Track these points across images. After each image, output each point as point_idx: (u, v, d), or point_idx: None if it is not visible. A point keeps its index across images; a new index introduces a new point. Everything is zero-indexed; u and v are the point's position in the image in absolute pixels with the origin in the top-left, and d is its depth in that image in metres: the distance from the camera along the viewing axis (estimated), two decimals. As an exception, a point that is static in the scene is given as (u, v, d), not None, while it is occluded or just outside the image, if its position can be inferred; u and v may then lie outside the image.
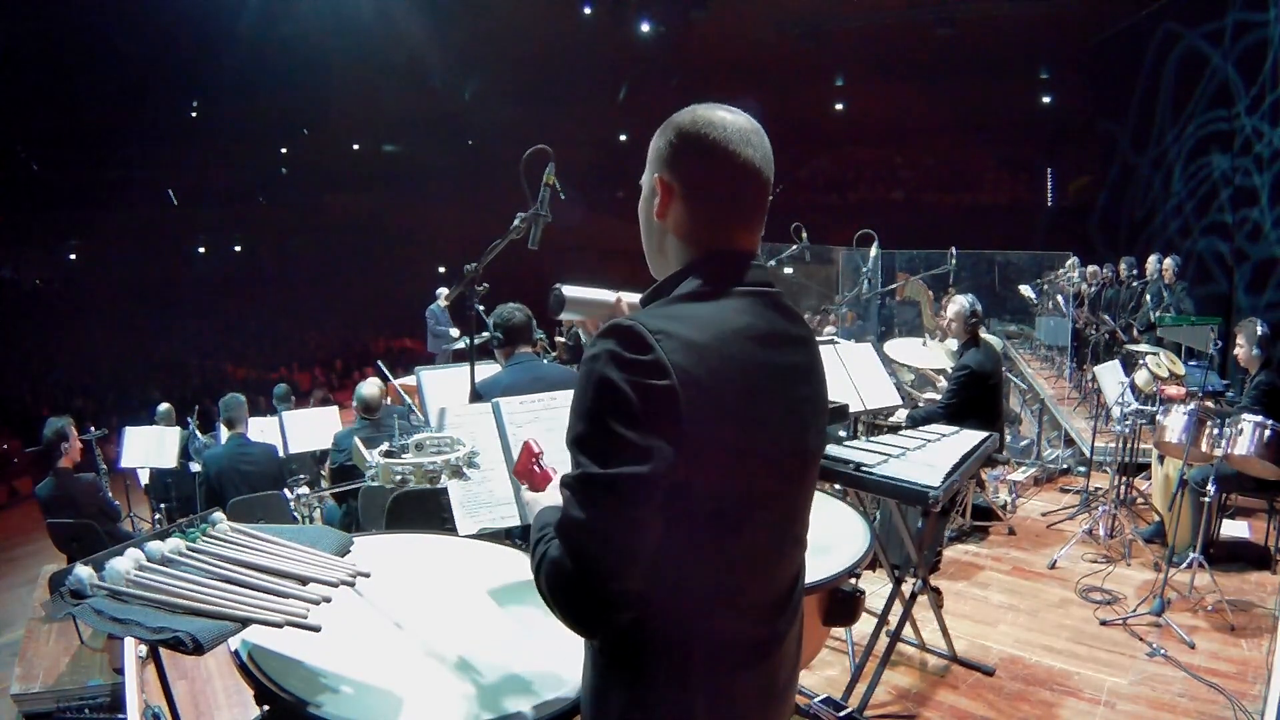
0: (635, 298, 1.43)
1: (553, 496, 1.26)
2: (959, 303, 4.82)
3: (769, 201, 1.18)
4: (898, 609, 3.21)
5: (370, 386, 5.62)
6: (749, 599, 1.13)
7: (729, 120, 1.13)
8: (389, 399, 6.31)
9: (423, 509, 3.20)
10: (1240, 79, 9.17)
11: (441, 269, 18.46)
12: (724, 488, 1.05)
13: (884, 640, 3.16)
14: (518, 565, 1.93)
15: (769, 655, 1.17)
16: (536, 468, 1.37)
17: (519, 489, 2.10)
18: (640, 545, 0.99)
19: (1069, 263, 8.60)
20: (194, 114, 20.61)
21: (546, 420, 2.23)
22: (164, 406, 7.80)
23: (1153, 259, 8.12)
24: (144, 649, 2.65)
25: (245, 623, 1.28)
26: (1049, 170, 16.84)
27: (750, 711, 1.16)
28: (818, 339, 1.39)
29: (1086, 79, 14.21)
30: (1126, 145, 12.45)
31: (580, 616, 1.02)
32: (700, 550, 1.05)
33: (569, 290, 1.48)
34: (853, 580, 2.13)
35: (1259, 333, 4.49)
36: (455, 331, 9.80)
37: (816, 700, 2.47)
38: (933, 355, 5.85)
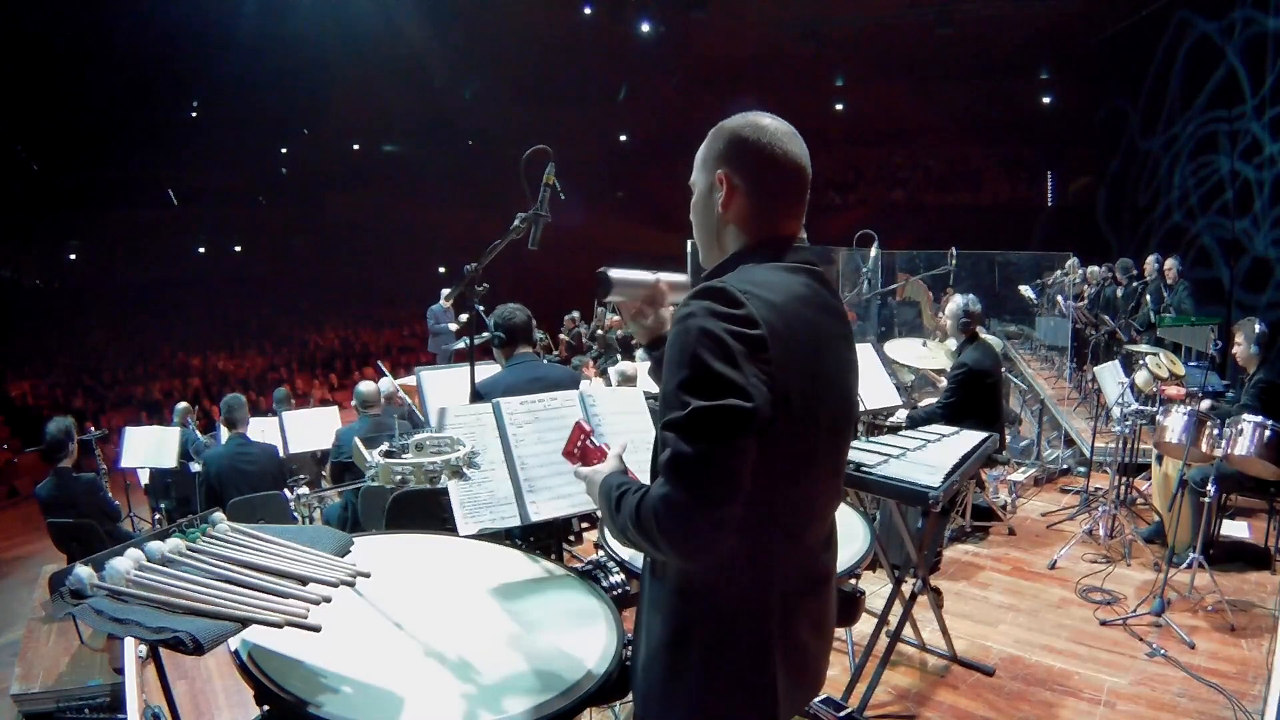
0: (675, 277, 1.56)
1: (611, 467, 1.39)
2: (956, 301, 4.83)
3: (808, 195, 1.35)
4: (898, 609, 3.20)
5: (369, 384, 5.66)
6: (811, 534, 1.31)
7: (774, 124, 1.32)
8: (402, 391, 6.33)
9: (423, 509, 3.20)
10: (1247, 77, 9.10)
11: (441, 269, 18.46)
12: (799, 430, 1.19)
13: (884, 640, 3.16)
14: (518, 565, 1.93)
15: (824, 588, 1.35)
16: (590, 444, 1.46)
17: (520, 489, 2.11)
18: (744, 471, 1.11)
19: (1069, 263, 8.59)
20: (194, 114, 20.59)
21: (546, 420, 2.23)
22: (182, 405, 7.81)
23: (1152, 259, 8.12)
24: (144, 649, 2.65)
25: (245, 623, 1.28)
26: (1049, 170, 16.83)
27: (809, 641, 1.31)
28: None
29: (1097, 67, 14.03)
30: (1137, 128, 12.21)
31: (695, 545, 1.11)
32: (778, 488, 1.19)
33: (616, 273, 1.53)
34: (853, 580, 2.13)
35: (1256, 331, 4.50)
36: (454, 326, 9.77)
37: (816, 700, 2.47)
38: (933, 355, 5.85)
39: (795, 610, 1.26)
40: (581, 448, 1.46)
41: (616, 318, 11.75)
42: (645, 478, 1.31)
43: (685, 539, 1.11)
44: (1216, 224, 9.97)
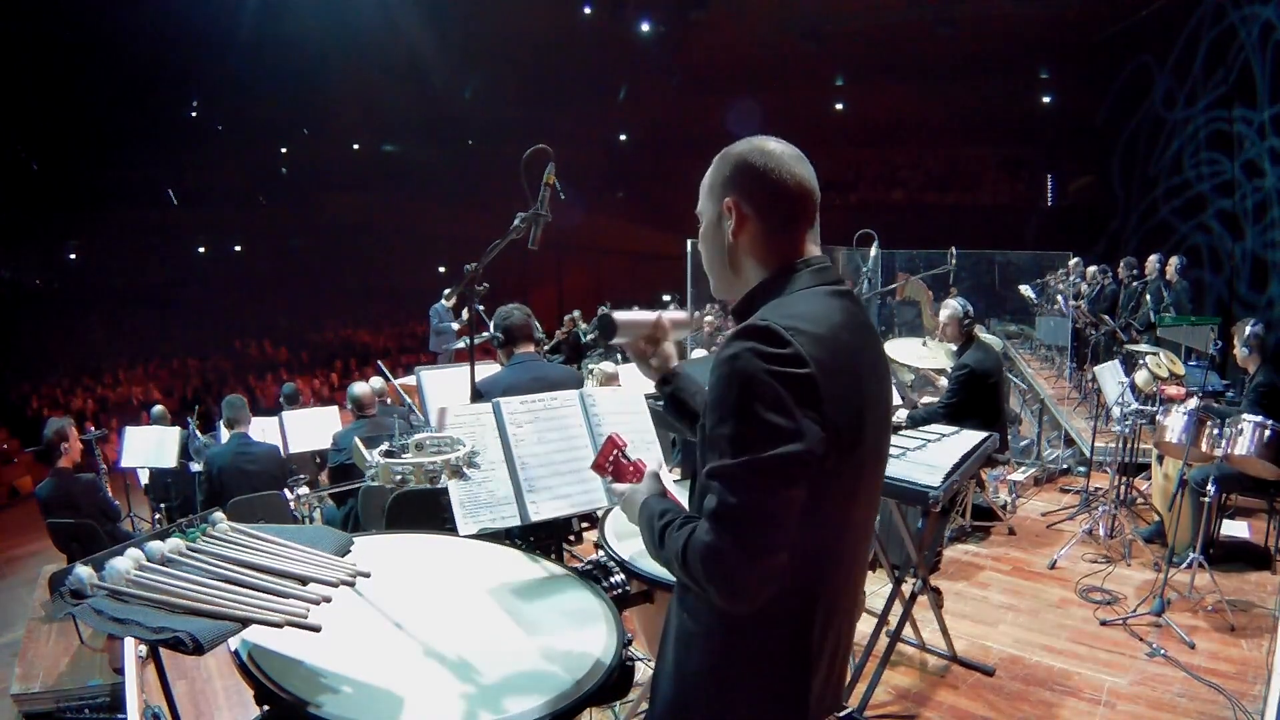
0: (676, 315, 1.57)
1: (650, 488, 1.36)
2: (951, 306, 4.82)
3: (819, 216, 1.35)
4: (898, 609, 3.21)
5: (362, 385, 5.65)
6: (857, 558, 1.32)
7: (780, 148, 1.31)
8: (389, 399, 6.33)
9: (423, 509, 3.20)
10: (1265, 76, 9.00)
11: (441, 269, 18.46)
12: (848, 460, 1.18)
13: (884, 640, 3.16)
14: (518, 565, 1.93)
15: (858, 605, 1.38)
16: (623, 459, 1.43)
17: (520, 489, 2.10)
18: (793, 520, 1.12)
19: (1071, 263, 8.59)
20: (194, 114, 20.58)
21: (547, 420, 2.23)
22: (158, 408, 7.82)
23: (1153, 259, 8.11)
24: (144, 649, 2.65)
25: (245, 623, 1.28)
26: (1049, 170, 16.82)
27: (842, 656, 1.34)
28: None
29: (1097, 66, 13.89)
30: (1160, 101, 11.90)
31: (742, 593, 1.12)
32: (830, 520, 1.19)
33: (620, 316, 1.54)
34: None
35: (1248, 331, 4.50)
36: (457, 325, 9.75)
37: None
38: (933, 355, 5.85)
39: (835, 631, 1.27)
40: (614, 463, 1.44)
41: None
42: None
43: (732, 588, 1.11)
44: (1217, 223, 9.95)
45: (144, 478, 6.85)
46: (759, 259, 1.31)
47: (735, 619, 1.19)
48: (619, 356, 9.26)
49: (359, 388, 5.63)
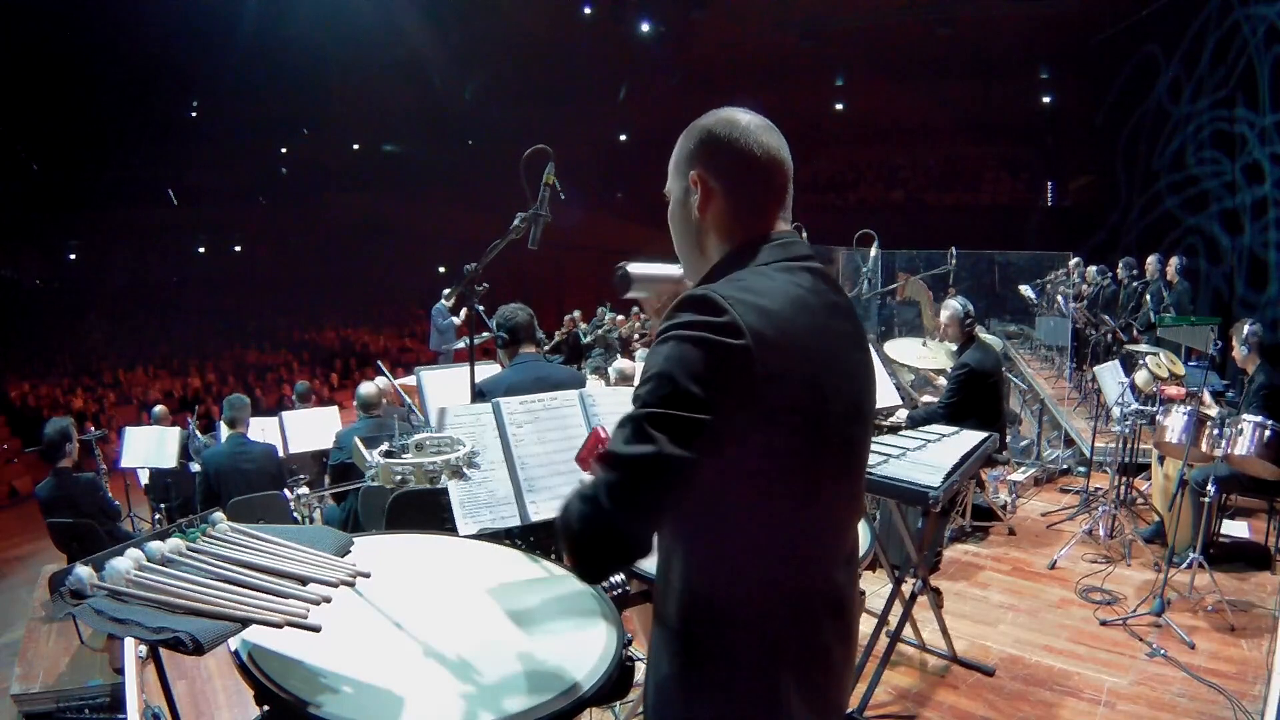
0: None
1: None
2: (951, 307, 4.82)
3: (792, 189, 1.27)
4: (898, 609, 3.21)
5: (369, 385, 5.65)
6: (827, 553, 1.21)
7: (747, 118, 1.23)
8: (402, 390, 6.33)
9: (423, 509, 3.20)
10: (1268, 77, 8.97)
11: (441, 269, 18.48)
12: (798, 445, 1.10)
13: (884, 640, 3.16)
14: (518, 565, 1.93)
15: (846, 608, 1.26)
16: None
17: (520, 489, 2.11)
18: (670, 492, 1.05)
19: (1071, 263, 8.59)
20: (194, 114, 20.61)
21: (546, 420, 2.23)
22: (159, 408, 7.82)
23: (1153, 259, 8.11)
24: (144, 649, 2.65)
25: (245, 623, 1.28)
26: (1049, 170, 16.84)
27: (827, 665, 1.22)
28: None
29: (1097, 66, 13.87)
30: (1165, 92, 11.83)
31: (586, 549, 1.07)
32: (785, 508, 1.12)
33: (635, 268, 1.46)
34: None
35: (1246, 331, 4.50)
36: (458, 320, 9.75)
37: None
38: (933, 355, 5.85)
39: (811, 635, 1.19)
40: (595, 457, 1.41)
41: (620, 318, 11.77)
42: None
43: (578, 539, 1.06)
44: (1218, 222, 9.94)
45: (144, 478, 6.85)
46: (723, 236, 1.24)
47: (697, 620, 1.14)
48: (619, 357, 9.26)
49: (366, 387, 5.63)
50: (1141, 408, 4.85)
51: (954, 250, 6.17)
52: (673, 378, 1.03)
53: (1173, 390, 5.24)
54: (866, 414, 1.26)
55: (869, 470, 2.77)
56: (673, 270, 1.46)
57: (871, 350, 1.32)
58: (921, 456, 2.95)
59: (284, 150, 23.06)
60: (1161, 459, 4.75)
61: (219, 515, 1.60)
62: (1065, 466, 6.50)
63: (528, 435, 2.18)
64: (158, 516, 6.51)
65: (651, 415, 1.03)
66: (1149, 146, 11.78)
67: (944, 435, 3.28)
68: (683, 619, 1.17)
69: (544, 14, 16.02)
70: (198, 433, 7.51)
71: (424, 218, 21.14)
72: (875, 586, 3.81)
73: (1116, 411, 4.88)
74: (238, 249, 23.52)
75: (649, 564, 1.76)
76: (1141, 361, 5.52)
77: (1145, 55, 11.75)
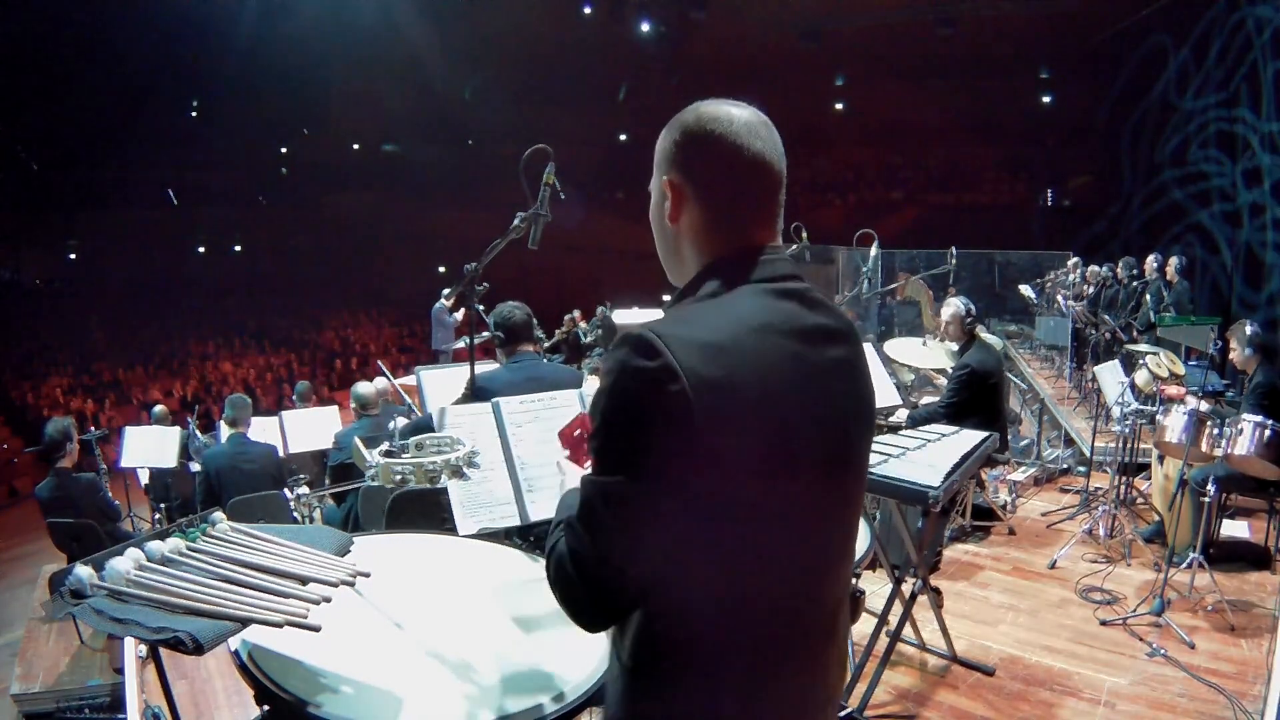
0: None
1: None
2: (953, 305, 4.82)
3: (783, 195, 1.13)
4: (898, 609, 3.20)
5: (366, 385, 5.65)
6: (786, 603, 1.07)
7: (735, 114, 1.10)
8: (401, 390, 6.33)
9: (423, 509, 3.20)
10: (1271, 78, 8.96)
11: (441, 269, 18.48)
12: (749, 490, 1.00)
13: (884, 640, 3.16)
14: (518, 565, 1.93)
15: (808, 663, 1.13)
16: (586, 441, 1.34)
17: (519, 488, 2.10)
18: (639, 549, 1.01)
19: (1071, 263, 8.59)
20: (194, 114, 20.62)
21: (546, 420, 2.23)
22: (159, 408, 7.83)
23: (1153, 258, 8.11)
24: (144, 649, 2.65)
25: (245, 623, 1.28)
26: (1049, 170, 16.85)
27: (794, 705, 1.12)
28: None
29: (1097, 66, 13.87)
30: (1171, 88, 11.76)
31: (583, 615, 1.07)
32: (727, 554, 1.02)
33: (619, 316, 1.46)
34: (852, 580, 2.13)
35: (1247, 331, 4.50)
36: (460, 316, 9.73)
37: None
38: (933, 355, 5.85)
39: (766, 690, 1.08)
40: (576, 440, 1.38)
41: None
42: None
43: (571, 606, 1.08)
44: (1218, 221, 9.94)
45: (144, 478, 6.85)
46: (698, 248, 1.12)
47: (638, 667, 1.06)
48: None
49: (363, 387, 5.63)
50: (1141, 407, 4.85)
51: (954, 250, 6.17)
52: (608, 432, 1.01)
53: (1173, 390, 5.24)
54: (854, 443, 1.14)
55: (869, 470, 2.77)
56: (656, 316, 1.48)
57: (869, 374, 1.19)
58: (921, 456, 2.95)
59: (284, 150, 23.07)
60: (1161, 459, 4.75)
61: (219, 515, 1.60)
62: (1065, 466, 6.50)
63: (527, 435, 2.18)
64: (158, 516, 6.51)
65: (599, 484, 1.01)
66: (1151, 142, 11.75)
67: (944, 435, 3.27)
68: (622, 666, 1.09)
69: (544, 14, 16.01)
70: (198, 433, 7.51)
71: (424, 218, 21.14)
72: (875, 586, 3.81)
73: (1116, 411, 4.88)
74: (238, 249, 23.52)
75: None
76: (1141, 361, 5.52)
77: (1151, 48, 11.70)
